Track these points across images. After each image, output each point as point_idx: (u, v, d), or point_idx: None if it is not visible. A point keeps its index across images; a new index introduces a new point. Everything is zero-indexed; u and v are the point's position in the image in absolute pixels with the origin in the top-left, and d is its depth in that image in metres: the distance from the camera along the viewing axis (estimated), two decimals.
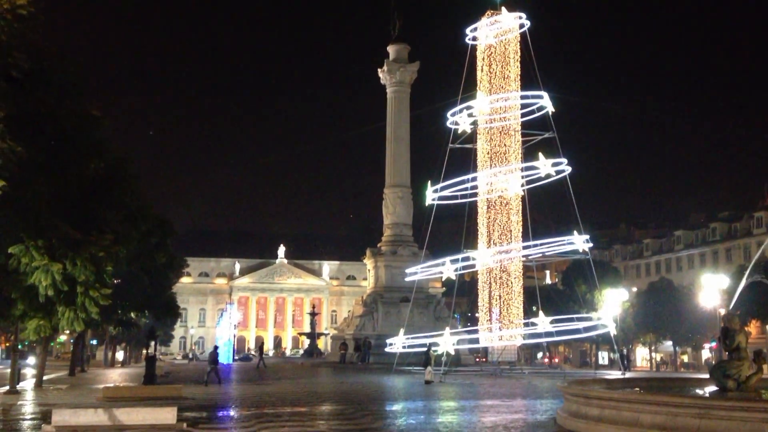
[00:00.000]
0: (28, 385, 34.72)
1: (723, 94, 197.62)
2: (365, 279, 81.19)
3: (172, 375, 44.23)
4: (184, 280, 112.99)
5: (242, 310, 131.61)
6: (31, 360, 60.83)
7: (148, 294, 38.80)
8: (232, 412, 21.41)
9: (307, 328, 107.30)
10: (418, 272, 48.31)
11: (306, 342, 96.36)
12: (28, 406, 24.05)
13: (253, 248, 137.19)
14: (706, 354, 78.06)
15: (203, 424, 17.59)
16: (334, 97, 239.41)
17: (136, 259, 29.89)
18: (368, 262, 66.66)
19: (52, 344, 78.08)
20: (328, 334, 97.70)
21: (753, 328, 62.68)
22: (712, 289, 43.03)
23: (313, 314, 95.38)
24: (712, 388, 16.76)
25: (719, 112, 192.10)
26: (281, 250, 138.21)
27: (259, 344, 72.00)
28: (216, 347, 41.86)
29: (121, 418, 16.97)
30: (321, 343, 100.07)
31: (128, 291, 34.58)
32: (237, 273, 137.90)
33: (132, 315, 42.54)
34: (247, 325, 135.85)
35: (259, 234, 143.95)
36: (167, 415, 17.14)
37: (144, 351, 45.37)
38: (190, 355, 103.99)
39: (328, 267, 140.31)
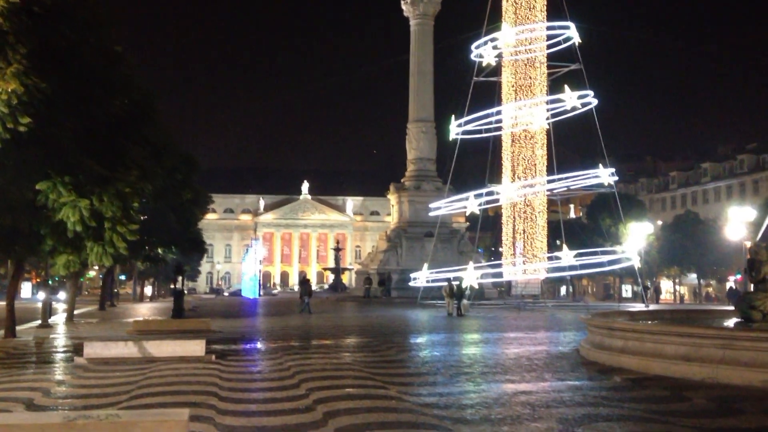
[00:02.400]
0: (59, 319, 35.49)
1: (752, 23, 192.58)
2: (389, 214, 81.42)
3: (199, 309, 44.99)
4: (210, 216, 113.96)
5: (267, 246, 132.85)
6: (62, 295, 62.11)
7: (175, 230, 39.20)
8: (259, 345, 21.79)
9: (331, 264, 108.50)
10: (442, 207, 48.37)
11: (330, 277, 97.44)
12: (60, 339, 24.65)
13: (277, 184, 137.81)
14: (730, 286, 77.95)
15: (231, 356, 17.93)
16: (357, 30, 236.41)
17: (162, 195, 30.08)
18: (392, 198, 66.76)
19: (81, 280, 79.51)
20: (353, 269, 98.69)
21: None
22: (739, 222, 42.69)
23: (337, 249, 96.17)
24: (737, 319, 16.77)
25: (748, 42, 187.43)
26: (305, 186, 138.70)
27: (302, 278, 72.52)
28: (308, 280, 45.08)
29: (150, 350, 17.32)
30: (345, 278, 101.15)
31: (155, 227, 34.88)
32: (261, 209, 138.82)
33: (159, 251, 43.06)
34: (272, 260, 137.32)
35: (283, 170, 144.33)
36: (196, 347, 17.46)
37: (172, 286, 46.14)
38: (224, 291, 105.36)
39: (351, 203, 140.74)
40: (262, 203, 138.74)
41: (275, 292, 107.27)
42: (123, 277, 79.44)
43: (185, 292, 44.65)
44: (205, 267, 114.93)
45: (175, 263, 42.04)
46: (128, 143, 20.94)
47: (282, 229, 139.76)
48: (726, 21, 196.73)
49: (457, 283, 37.56)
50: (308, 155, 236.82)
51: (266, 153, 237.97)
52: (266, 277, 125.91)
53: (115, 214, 19.38)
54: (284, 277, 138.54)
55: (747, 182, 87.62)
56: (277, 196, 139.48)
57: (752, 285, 16.50)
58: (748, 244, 25.61)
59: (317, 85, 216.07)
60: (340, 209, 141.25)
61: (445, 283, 37.70)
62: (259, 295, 78.58)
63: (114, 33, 21.18)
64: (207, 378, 13.99)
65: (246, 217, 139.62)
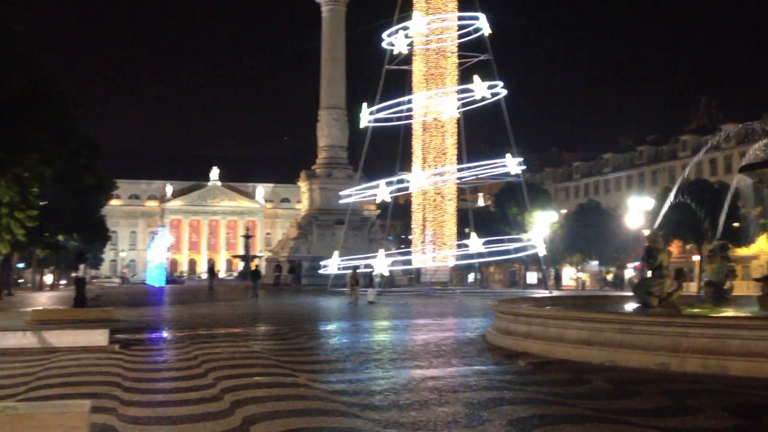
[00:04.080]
0: None
1: (652, 20, 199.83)
2: (300, 202, 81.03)
3: (103, 298, 43.75)
4: (114, 202, 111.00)
5: (174, 233, 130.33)
6: None
7: (77, 216, 38.11)
8: (165, 334, 21.36)
9: (241, 251, 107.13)
10: (353, 194, 48.47)
11: (240, 265, 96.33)
12: None
13: (185, 170, 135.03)
14: (629, 273, 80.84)
15: (136, 346, 17.52)
16: (269, 14, 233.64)
17: (64, 179, 29.20)
18: (303, 185, 66.43)
19: None
20: (263, 256, 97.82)
21: (675, 247, 65.05)
22: (638, 211, 44.31)
23: (247, 237, 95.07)
24: (635, 305, 17.40)
25: (649, 37, 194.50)
26: (214, 172, 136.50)
27: (210, 266, 71.28)
28: (257, 266, 47.92)
29: (51, 340, 16.72)
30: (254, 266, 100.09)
31: (56, 213, 33.80)
32: (169, 195, 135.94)
33: (60, 237, 41.77)
34: (180, 248, 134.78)
35: (192, 156, 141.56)
36: (98, 337, 16.94)
37: (73, 274, 44.74)
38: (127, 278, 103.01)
39: (262, 189, 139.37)
40: (169, 189, 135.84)
41: (183, 279, 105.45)
42: (21, 265, 76.37)
43: (86, 280, 43.40)
44: (108, 254, 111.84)
45: (77, 250, 40.77)
46: (28, 125, 20.18)
47: (190, 216, 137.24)
48: (630, 16, 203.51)
49: (370, 270, 37.75)
50: (218, 141, 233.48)
51: (174, 138, 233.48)
52: (173, 264, 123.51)
53: (12, 199, 18.71)
54: (192, 264, 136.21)
55: (646, 173, 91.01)
56: (185, 182, 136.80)
57: (650, 271, 17.14)
58: (647, 232, 26.64)
59: (228, 69, 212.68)
60: (251, 196, 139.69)
61: (350, 271, 37.74)
62: (166, 283, 77.00)
63: (13, 11, 20.40)
64: (110, 368, 13.63)
65: (152, 204, 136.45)
